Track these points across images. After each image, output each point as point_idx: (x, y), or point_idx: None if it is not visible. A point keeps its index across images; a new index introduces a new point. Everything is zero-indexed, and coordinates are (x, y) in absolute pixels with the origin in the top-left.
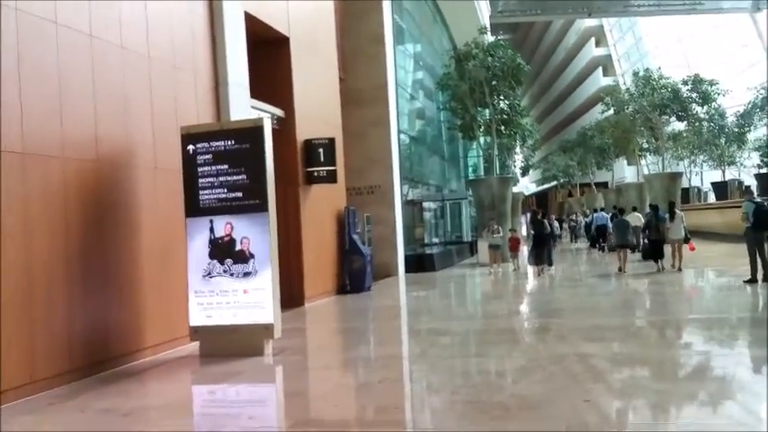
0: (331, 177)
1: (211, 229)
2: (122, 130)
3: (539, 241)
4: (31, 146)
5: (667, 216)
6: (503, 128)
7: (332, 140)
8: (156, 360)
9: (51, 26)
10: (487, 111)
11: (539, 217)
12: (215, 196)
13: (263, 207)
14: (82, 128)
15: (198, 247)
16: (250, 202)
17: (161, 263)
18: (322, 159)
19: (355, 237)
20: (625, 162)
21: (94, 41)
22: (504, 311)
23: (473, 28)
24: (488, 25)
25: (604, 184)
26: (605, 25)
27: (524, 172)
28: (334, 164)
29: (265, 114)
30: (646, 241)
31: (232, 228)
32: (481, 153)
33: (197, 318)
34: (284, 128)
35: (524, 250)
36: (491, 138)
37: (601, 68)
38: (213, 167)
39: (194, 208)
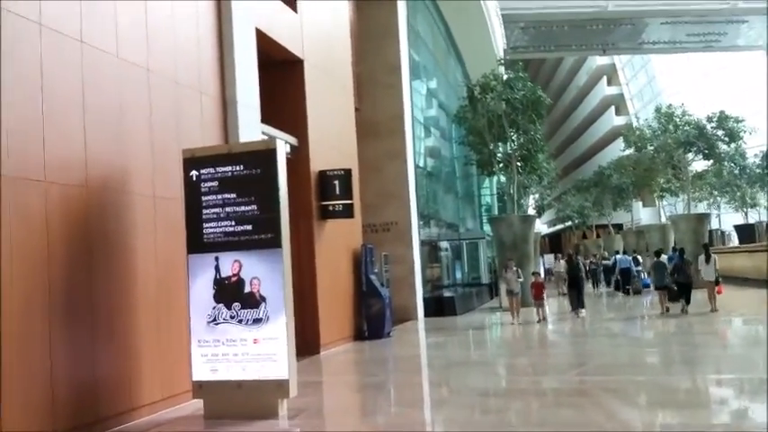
0: (347, 212)
1: (217, 268)
2: (116, 151)
3: (574, 283)
4: (5, 167)
5: (702, 258)
6: (521, 164)
7: (348, 172)
8: (153, 421)
9: (34, 27)
10: (507, 145)
11: (575, 260)
12: (221, 229)
13: (275, 242)
14: (68, 148)
15: (201, 289)
16: (261, 237)
17: (159, 306)
18: (337, 192)
19: (373, 277)
20: (640, 203)
21: (85, 48)
22: (547, 366)
23: (488, 63)
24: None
25: (619, 226)
26: (617, 64)
27: (539, 212)
28: (350, 197)
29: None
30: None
31: (240, 266)
32: (495, 191)
33: (201, 371)
34: (297, 157)
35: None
36: (510, 174)
37: (613, 108)
38: (219, 196)
39: (197, 243)
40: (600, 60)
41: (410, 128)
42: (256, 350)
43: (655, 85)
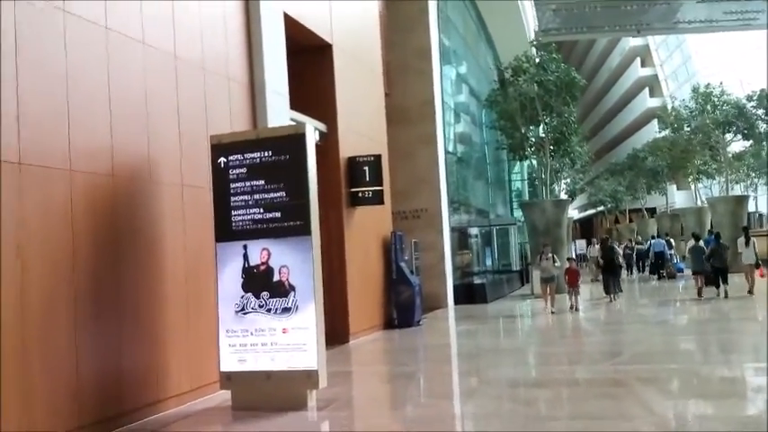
0: (377, 198)
1: (245, 256)
2: (143, 139)
3: (609, 268)
4: (30, 155)
5: (741, 240)
6: (554, 147)
7: (378, 158)
8: (181, 412)
9: (58, 14)
10: (540, 128)
11: (609, 244)
12: (249, 217)
13: (304, 230)
14: (94, 136)
15: (230, 278)
16: (290, 224)
17: (187, 295)
18: (367, 179)
19: (403, 265)
20: (674, 187)
21: (111, 35)
22: (581, 355)
23: (519, 46)
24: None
25: (652, 210)
26: (651, 45)
27: (571, 196)
28: (380, 183)
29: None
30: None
31: (269, 255)
32: (526, 176)
33: (229, 362)
34: (326, 144)
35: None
36: (543, 158)
37: (647, 89)
38: (248, 183)
39: (226, 231)
40: (633, 41)
41: (441, 113)
42: (285, 340)
43: (690, 65)
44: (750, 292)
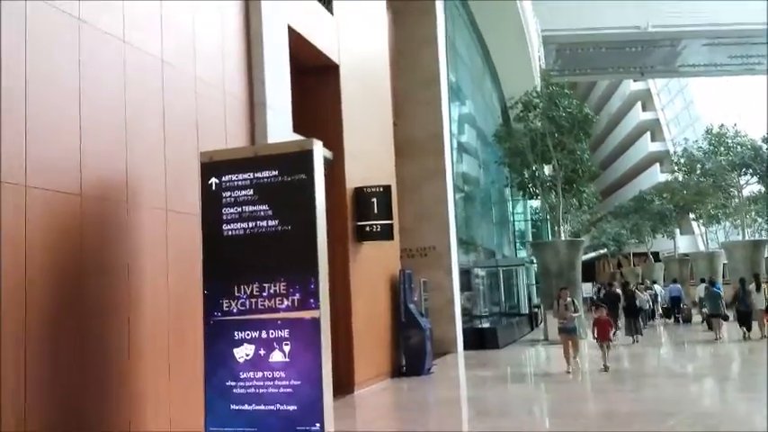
0: (386, 233)
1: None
2: (119, 153)
3: (631, 312)
4: None
5: (752, 287)
6: (566, 186)
7: (387, 189)
8: None
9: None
10: (552, 165)
11: (630, 288)
12: (244, 249)
13: (309, 267)
14: (57, 146)
15: (219, 354)
16: (292, 260)
17: (169, 344)
18: (376, 211)
19: (412, 306)
20: (677, 231)
21: (83, 28)
22: (630, 414)
23: (525, 85)
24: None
25: (655, 255)
26: (652, 89)
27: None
28: (390, 217)
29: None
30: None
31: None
32: (529, 216)
33: (217, 420)
34: (331, 172)
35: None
36: (555, 197)
37: (649, 133)
38: (244, 209)
39: (216, 268)
40: (634, 86)
41: (449, 146)
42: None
43: (693, 109)
44: (763, 336)
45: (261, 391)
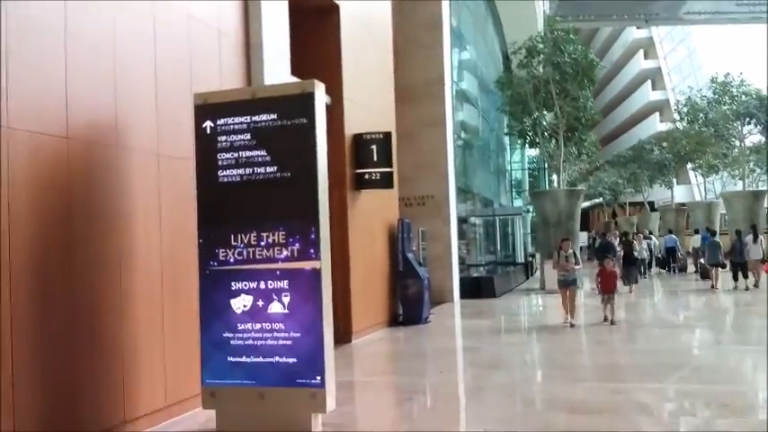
0: (386, 181)
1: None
2: (108, 94)
3: (629, 261)
4: None
5: (750, 237)
6: (568, 134)
7: (387, 135)
8: None
9: None
10: (554, 113)
11: (629, 238)
12: (241, 196)
13: (309, 215)
14: (42, 86)
15: (215, 302)
16: (292, 207)
17: (162, 292)
18: (375, 159)
19: (410, 256)
20: (674, 180)
21: None
22: (637, 366)
23: (528, 33)
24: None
25: (651, 204)
26: (655, 37)
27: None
28: (390, 164)
29: None
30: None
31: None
32: (526, 165)
33: (214, 373)
34: (330, 117)
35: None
36: (556, 145)
37: (650, 82)
38: (241, 154)
39: (212, 213)
40: (637, 34)
41: (450, 92)
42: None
43: (695, 58)
44: (756, 285)
45: (259, 343)
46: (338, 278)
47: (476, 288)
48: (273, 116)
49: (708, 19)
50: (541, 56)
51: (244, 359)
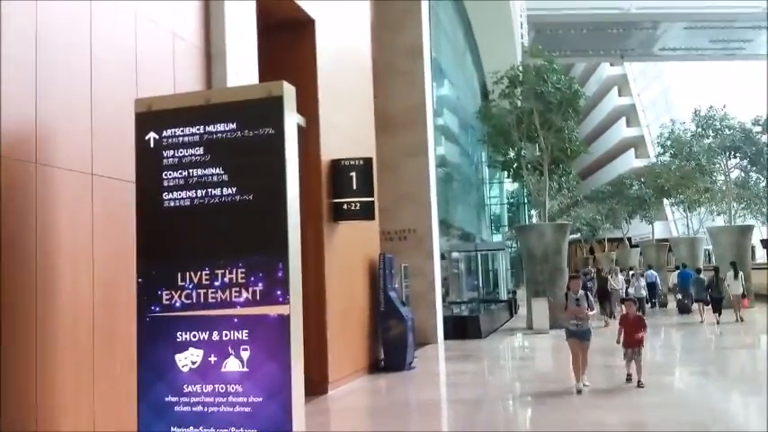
0: (366, 212)
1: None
2: (27, 98)
3: (603, 294)
4: None
5: (730, 273)
6: (553, 167)
7: (368, 162)
8: None
9: None
10: (537, 145)
11: (603, 274)
12: (191, 226)
13: (276, 249)
14: None
15: (158, 356)
16: (254, 240)
17: (94, 342)
18: (355, 187)
19: (393, 294)
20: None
21: None
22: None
23: (507, 63)
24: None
25: (628, 240)
26: (629, 74)
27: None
28: (371, 194)
29: None
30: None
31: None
32: (506, 199)
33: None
34: (305, 141)
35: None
36: (540, 178)
37: (624, 118)
38: (190, 173)
39: (153, 248)
40: (611, 70)
41: (431, 120)
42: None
43: (669, 95)
44: (739, 319)
45: (211, 409)
46: (312, 320)
47: (460, 328)
48: (232, 126)
49: (682, 55)
50: (525, 85)
51: (191, 430)
